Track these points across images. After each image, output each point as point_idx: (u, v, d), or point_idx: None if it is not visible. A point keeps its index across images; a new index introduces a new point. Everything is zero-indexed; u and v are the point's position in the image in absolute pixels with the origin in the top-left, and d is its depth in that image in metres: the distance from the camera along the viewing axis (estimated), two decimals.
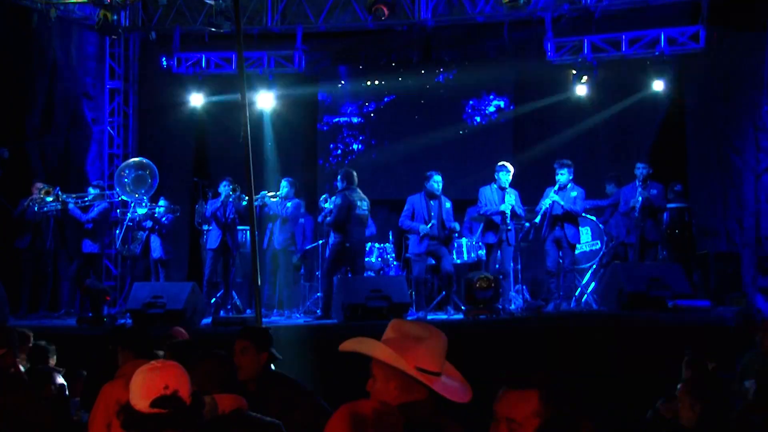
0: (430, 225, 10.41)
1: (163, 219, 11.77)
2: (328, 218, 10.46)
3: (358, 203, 10.39)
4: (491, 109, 13.89)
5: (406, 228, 10.75)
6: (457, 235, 11.12)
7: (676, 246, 11.29)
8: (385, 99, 14.20)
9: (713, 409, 4.08)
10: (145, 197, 11.28)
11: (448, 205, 10.59)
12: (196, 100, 13.73)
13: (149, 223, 11.73)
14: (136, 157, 12.56)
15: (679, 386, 4.37)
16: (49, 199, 11.06)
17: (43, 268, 11.34)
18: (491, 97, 13.87)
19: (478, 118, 13.90)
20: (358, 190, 10.51)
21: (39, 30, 12.64)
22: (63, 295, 12.12)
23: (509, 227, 10.41)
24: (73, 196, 11.51)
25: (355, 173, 10.60)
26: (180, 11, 13.58)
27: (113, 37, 13.52)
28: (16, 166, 11.55)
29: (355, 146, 14.26)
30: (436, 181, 10.51)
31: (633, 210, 10.55)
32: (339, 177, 10.54)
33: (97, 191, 11.78)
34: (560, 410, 2.49)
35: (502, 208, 10.30)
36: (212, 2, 12.10)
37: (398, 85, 14.14)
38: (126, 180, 11.22)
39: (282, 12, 13.46)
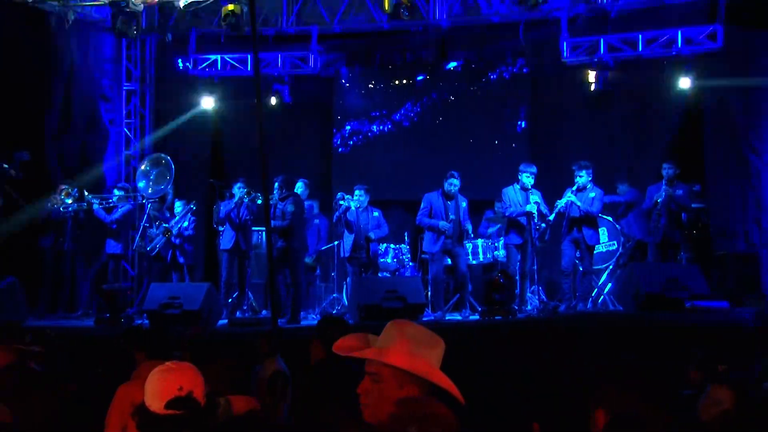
0: (450, 221, 10.40)
1: (185, 224, 11.81)
2: (279, 222, 10.54)
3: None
4: (507, 109, 13.83)
5: (425, 225, 10.73)
6: (472, 235, 11.13)
7: (694, 247, 11.23)
8: (401, 100, 14.17)
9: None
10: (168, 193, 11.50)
11: (464, 204, 10.57)
12: (209, 102, 13.79)
13: (178, 241, 11.78)
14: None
15: (709, 386, 4.30)
16: (69, 201, 11.13)
17: (61, 269, 11.41)
18: (507, 97, 13.82)
19: (494, 118, 13.85)
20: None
21: (56, 33, 12.73)
22: (81, 296, 12.18)
23: (539, 226, 10.37)
24: (98, 197, 11.57)
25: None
26: (195, 13, 13.62)
27: (129, 39, 13.61)
28: (34, 167, 11.61)
29: (369, 147, 14.24)
30: (453, 184, 10.50)
31: (656, 205, 10.45)
32: (277, 184, 10.68)
33: (122, 193, 11.84)
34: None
35: (528, 208, 10.24)
36: (235, 4, 12.15)
37: (414, 86, 14.11)
38: (152, 176, 11.44)
39: (297, 13, 13.48)
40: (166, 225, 11.48)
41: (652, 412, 2.70)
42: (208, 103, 13.77)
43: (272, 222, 10.66)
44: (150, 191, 11.50)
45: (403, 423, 2.21)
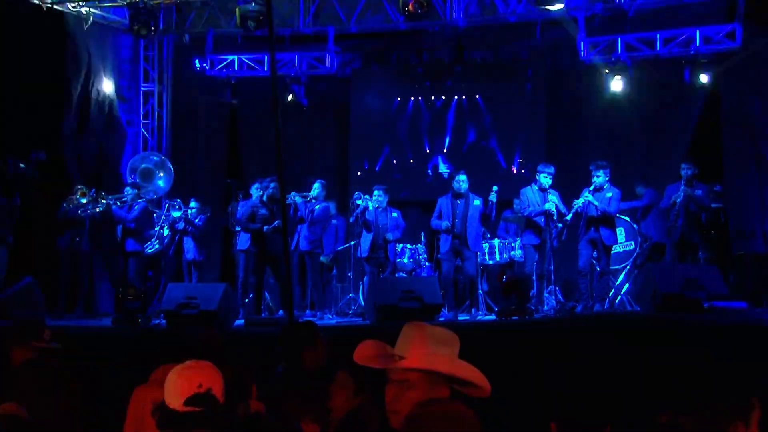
0: (446, 224, 10.41)
1: (196, 221, 11.92)
2: (257, 225, 10.66)
3: None
4: (524, 108, 13.79)
5: (433, 228, 10.81)
6: (489, 235, 11.10)
7: (713, 247, 11.16)
8: (417, 100, 14.16)
9: None
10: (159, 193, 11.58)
11: (477, 202, 10.49)
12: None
13: (181, 225, 11.87)
14: (163, 158, 12.78)
15: None
16: (84, 201, 11.17)
17: (79, 269, 11.46)
18: (524, 97, 13.78)
19: (511, 118, 13.81)
20: None
21: (74, 34, 12.82)
22: (100, 296, 12.24)
23: (557, 225, 10.32)
24: (114, 197, 11.62)
25: None
26: (213, 14, 13.67)
27: (147, 39, 13.69)
28: (52, 168, 11.68)
29: (386, 147, 14.24)
30: (458, 180, 10.50)
31: (674, 205, 10.40)
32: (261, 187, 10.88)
33: (135, 191, 11.88)
34: None
35: (546, 207, 10.19)
36: (247, 6, 12.20)
37: (430, 87, 14.10)
38: (138, 179, 11.61)
39: (314, 13, 13.50)
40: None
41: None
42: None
43: (254, 225, 10.82)
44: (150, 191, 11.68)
45: (424, 423, 2.21)
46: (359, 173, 14.16)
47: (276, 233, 10.55)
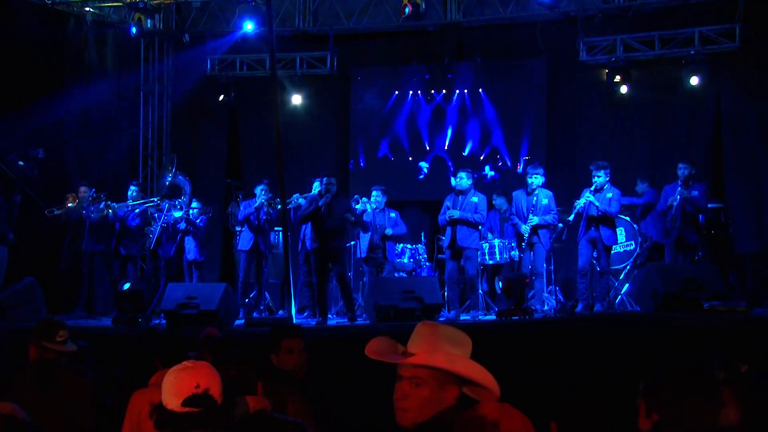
0: (448, 216, 10.44)
1: (198, 221, 11.89)
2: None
3: None
4: (524, 109, 13.76)
5: (439, 224, 10.81)
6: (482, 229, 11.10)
7: (712, 247, 11.15)
8: (417, 100, 14.15)
9: (756, 410, 4.00)
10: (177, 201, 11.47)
11: (474, 199, 10.48)
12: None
13: (183, 225, 11.85)
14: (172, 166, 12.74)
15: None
16: (88, 201, 11.13)
17: (79, 269, 11.45)
18: (523, 97, 13.76)
19: (510, 118, 13.79)
20: None
21: (75, 34, 12.83)
22: (100, 296, 12.23)
23: (523, 245, 10.39)
24: (116, 204, 11.59)
25: None
26: (213, 14, 13.69)
27: (147, 39, 13.70)
28: (52, 167, 11.67)
29: (386, 147, 14.22)
30: (460, 177, 10.51)
31: (671, 208, 10.40)
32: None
33: (136, 188, 11.84)
34: None
35: (523, 229, 10.28)
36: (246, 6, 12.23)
37: (430, 86, 14.08)
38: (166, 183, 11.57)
39: (314, 14, 13.52)
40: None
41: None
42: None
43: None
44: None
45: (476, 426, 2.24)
46: (358, 173, 14.14)
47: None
